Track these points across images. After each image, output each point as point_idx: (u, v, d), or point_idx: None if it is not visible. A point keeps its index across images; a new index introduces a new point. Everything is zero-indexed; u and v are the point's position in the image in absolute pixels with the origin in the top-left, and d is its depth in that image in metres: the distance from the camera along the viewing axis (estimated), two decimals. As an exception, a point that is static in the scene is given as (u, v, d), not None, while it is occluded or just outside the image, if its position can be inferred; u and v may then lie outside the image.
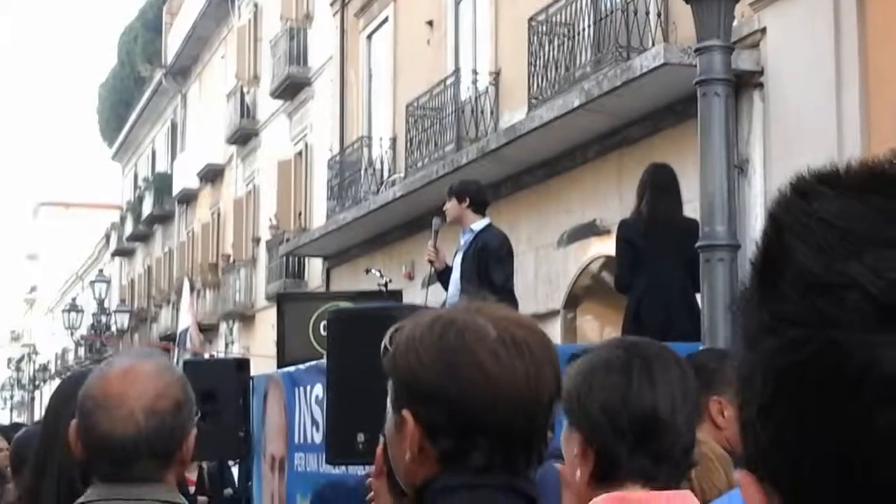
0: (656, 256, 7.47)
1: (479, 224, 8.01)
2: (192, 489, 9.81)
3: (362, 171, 19.41)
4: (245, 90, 27.82)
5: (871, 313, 0.71)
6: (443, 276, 8.18)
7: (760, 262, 0.78)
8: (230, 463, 9.40)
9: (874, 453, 0.70)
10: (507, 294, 7.73)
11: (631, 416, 2.01)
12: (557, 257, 13.35)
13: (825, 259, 0.73)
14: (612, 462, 2.03)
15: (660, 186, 7.76)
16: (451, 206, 8.05)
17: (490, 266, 7.80)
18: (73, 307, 37.94)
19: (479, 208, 8.09)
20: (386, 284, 8.89)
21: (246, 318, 26.78)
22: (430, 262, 8.22)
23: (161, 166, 38.10)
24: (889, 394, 0.69)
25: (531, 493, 1.71)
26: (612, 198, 12.21)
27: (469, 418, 1.66)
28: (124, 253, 43.45)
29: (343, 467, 6.05)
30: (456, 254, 8.13)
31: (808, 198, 0.76)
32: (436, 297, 9.93)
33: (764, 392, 0.75)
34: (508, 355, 1.67)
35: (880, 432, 0.69)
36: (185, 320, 17.10)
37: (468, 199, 8.01)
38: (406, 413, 1.69)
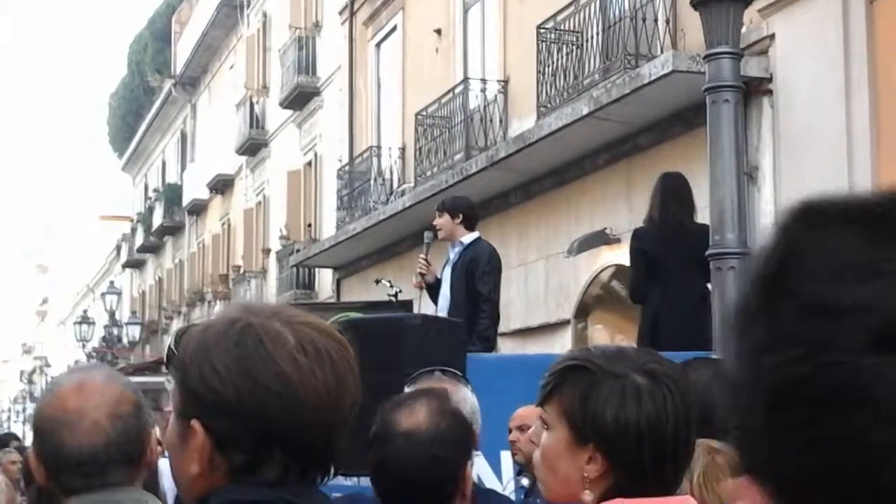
0: (672, 264, 7.45)
1: (468, 238, 8.20)
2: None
3: (372, 181, 19.41)
4: (254, 100, 27.85)
5: (874, 337, 0.73)
6: (432, 289, 8.31)
7: (764, 281, 0.80)
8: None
9: (872, 467, 0.73)
10: (491, 305, 7.90)
11: (672, 445, 2.01)
12: (567, 266, 13.33)
13: (831, 284, 0.75)
14: (633, 481, 2.01)
15: (671, 192, 7.77)
16: (443, 222, 8.21)
17: (476, 278, 7.95)
18: (85, 319, 37.93)
19: (471, 224, 8.28)
20: (396, 294, 8.90)
21: (257, 328, 26.75)
22: (422, 274, 8.35)
23: (171, 177, 38.16)
24: (886, 415, 0.72)
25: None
26: (621, 206, 12.19)
27: (266, 431, 1.54)
28: (135, 265, 43.52)
29: (354, 479, 6.03)
30: (444, 266, 8.27)
31: (814, 224, 0.78)
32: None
33: (764, 405, 0.77)
34: (309, 364, 1.56)
35: (877, 449, 0.72)
36: None
37: (462, 216, 8.20)
38: (196, 424, 1.56)
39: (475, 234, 8.26)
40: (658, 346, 5.56)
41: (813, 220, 0.79)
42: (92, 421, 2.26)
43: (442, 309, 8.13)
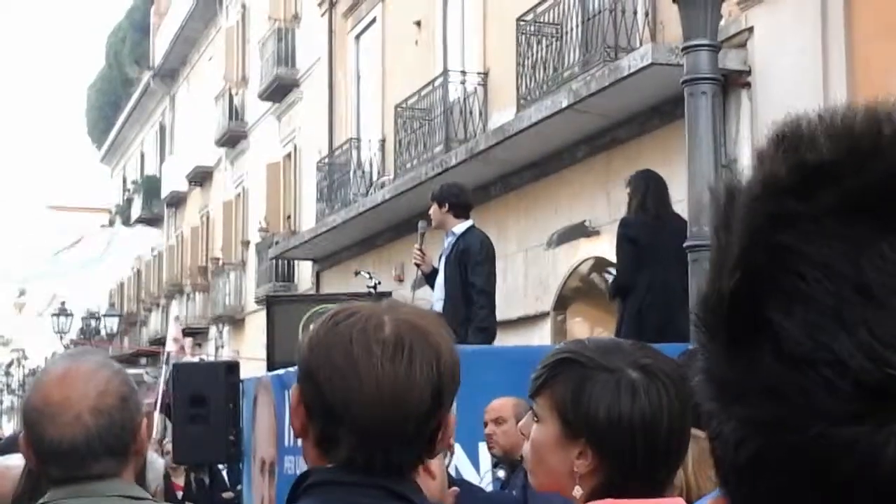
0: (661, 254, 7.45)
1: (460, 227, 8.04)
2: (179, 494, 9.79)
3: (351, 173, 19.39)
4: (233, 92, 27.76)
5: (863, 400, 0.60)
6: (430, 278, 8.23)
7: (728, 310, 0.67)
8: (220, 466, 9.38)
9: None
10: (485, 296, 7.80)
11: (665, 443, 1.95)
12: (547, 259, 13.34)
13: (811, 331, 0.63)
14: (623, 478, 1.96)
15: (657, 184, 7.80)
16: (433, 212, 8.10)
17: (469, 269, 7.83)
18: (63, 311, 37.78)
19: (462, 212, 8.10)
20: (375, 286, 8.89)
21: (236, 321, 26.72)
22: (417, 265, 8.27)
23: (150, 169, 38.02)
24: (890, 493, 0.61)
25: (402, 492, 1.71)
26: (600, 199, 12.21)
27: (331, 406, 1.71)
28: (113, 256, 43.35)
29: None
30: (440, 257, 8.16)
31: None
32: (425, 299, 9.92)
33: (737, 460, 0.66)
34: (383, 356, 1.69)
35: None
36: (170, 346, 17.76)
37: (447, 204, 8.04)
38: (295, 387, 1.78)
39: (467, 223, 8.07)
40: (641, 338, 5.56)
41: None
42: (74, 415, 2.23)
43: (437, 300, 8.00)
